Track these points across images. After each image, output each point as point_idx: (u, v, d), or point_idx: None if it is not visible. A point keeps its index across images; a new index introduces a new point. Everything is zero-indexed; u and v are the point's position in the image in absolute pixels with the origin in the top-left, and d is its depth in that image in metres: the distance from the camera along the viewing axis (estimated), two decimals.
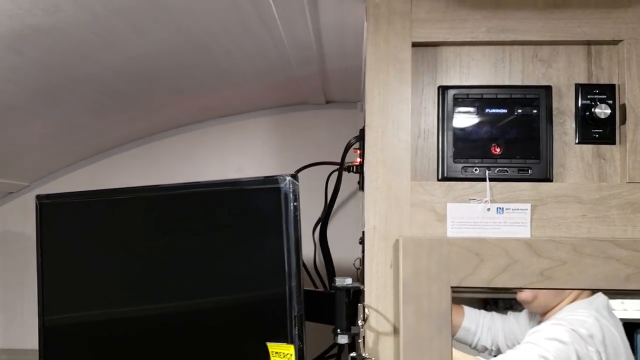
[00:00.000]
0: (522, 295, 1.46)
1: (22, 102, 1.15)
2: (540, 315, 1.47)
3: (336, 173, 1.60)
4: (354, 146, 1.64)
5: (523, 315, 1.59)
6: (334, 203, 1.33)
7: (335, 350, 1.24)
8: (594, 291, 1.75)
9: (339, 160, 1.70)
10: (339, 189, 1.34)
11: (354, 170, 1.44)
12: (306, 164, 1.65)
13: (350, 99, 1.80)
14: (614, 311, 2.15)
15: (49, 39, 0.90)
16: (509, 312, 1.66)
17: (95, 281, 1.26)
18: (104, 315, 1.23)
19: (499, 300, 1.90)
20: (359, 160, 1.50)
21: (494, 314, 1.63)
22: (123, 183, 1.28)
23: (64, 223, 1.33)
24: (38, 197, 1.36)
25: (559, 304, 1.64)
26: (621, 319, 1.90)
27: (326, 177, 1.58)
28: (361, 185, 1.40)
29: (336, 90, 1.67)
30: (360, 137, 1.11)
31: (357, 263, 1.33)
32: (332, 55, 1.27)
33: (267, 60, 1.27)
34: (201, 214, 1.01)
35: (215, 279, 0.99)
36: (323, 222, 1.28)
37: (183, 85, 1.34)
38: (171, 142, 1.84)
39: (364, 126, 1.37)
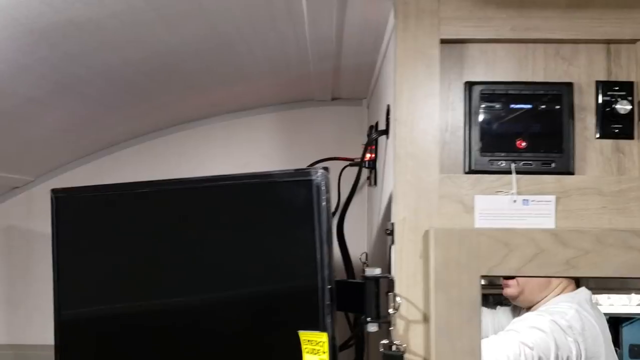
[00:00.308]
0: (509, 291, 1.52)
1: (42, 94, 1.16)
2: (525, 310, 1.53)
3: (348, 168, 1.63)
4: (364, 143, 1.67)
5: (510, 310, 1.65)
6: (352, 197, 1.36)
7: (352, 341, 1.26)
8: (578, 285, 1.82)
9: (345, 156, 1.73)
10: (358, 183, 1.36)
11: (367, 165, 1.47)
12: (312, 160, 1.68)
13: (356, 96, 1.82)
14: (599, 306, 2.23)
15: (83, 32, 0.91)
16: (498, 307, 1.72)
17: (114, 275, 1.26)
18: (124, 309, 1.23)
19: (489, 296, 1.95)
20: (368, 156, 1.53)
21: (483, 309, 1.68)
22: (128, 178, 1.29)
23: (81, 217, 1.33)
24: (54, 190, 1.36)
25: (544, 298, 1.70)
26: (607, 314, 1.97)
27: (337, 172, 1.60)
28: (373, 180, 1.43)
29: (344, 87, 1.70)
30: (380, 133, 1.14)
31: (364, 257, 1.36)
32: (348, 51, 1.29)
33: (285, 56, 1.29)
34: (231, 206, 1.03)
35: (245, 270, 1.01)
36: (340, 216, 1.31)
37: (199, 81, 1.35)
38: (177, 137, 1.84)
39: (377, 122, 1.40)
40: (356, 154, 1.61)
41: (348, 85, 1.68)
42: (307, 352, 0.93)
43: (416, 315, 0.92)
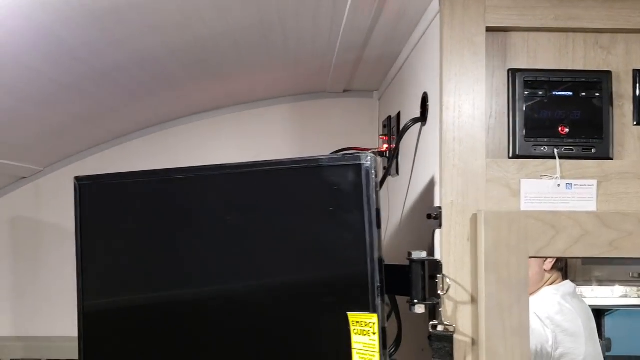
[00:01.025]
0: None
1: (76, 80, 1.14)
2: None
3: None
4: (380, 134, 1.69)
5: None
6: (380, 187, 1.37)
7: None
8: (564, 278, 1.89)
9: (356, 147, 1.75)
10: (388, 173, 1.38)
11: (386, 155, 1.49)
12: (323, 151, 1.68)
13: (367, 89, 1.84)
14: (584, 298, 2.30)
15: (135, 16, 0.91)
16: None
17: (141, 264, 1.25)
18: (152, 298, 1.22)
19: None
20: (385, 146, 1.55)
21: None
22: (137, 169, 1.28)
23: (106, 205, 1.32)
24: (77, 178, 1.34)
25: (537, 290, 1.76)
26: (591, 305, 2.04)
27: None
28: (395, 170, 1.44)
29: (358, 80, 1.71)
30: (415, 121, 1.15)
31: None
32: (375, 42, 1.31)
33: (314, 47, 1.30)
34: (276, 191, 1.03)
35: (292, 255, 1.01)
36: None
37: (224, 71, 1.36)
38: (187, 128, 1.83)
39: (399, 112, 1.42)
40: (367, 146, 1.63)
41: (362, 78, 1.69)
42: (356, 334, 0.95)
43: (464, 296, 0.95)
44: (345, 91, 1.85)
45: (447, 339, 0.92)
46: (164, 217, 1.20)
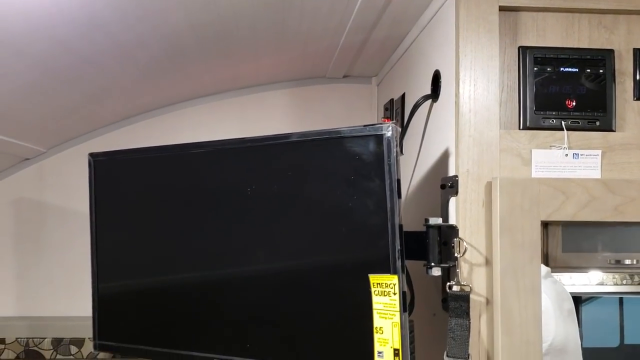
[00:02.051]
0: None
1: (99, 55, 1.17)
2: None
3: None
4: (382, 117, 1.75)
5: None
6: None
7: None
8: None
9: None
10: (402, 151, 1.43)
11: None
12: None
13: (367, 74, 1.89)
14: (566, 286, 2.38)
15: None
16: None
17: (157, 242, 1.27)
18: (174, 274, 1.25)
19: None
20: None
21: None
22: None
23: (121, 181, 1.33)
24: (92, 154, 1.36)
25: None
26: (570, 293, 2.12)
27: None
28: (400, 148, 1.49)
29: (358, 65, 1.76)
30: (426, 98, 1.21)
31: None
32: (384, 23, 1.35)
33: (325, 27, 1.34)
34: (298, 163, 1.07)
35: (316, 222, 1.05)
36: None
37: (238, 49, 1.39)
38: (192, 111, 1.86)
39: (403, 94, 1.47)
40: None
41: (363, 63, 1.74)
42: (377, 295, 1.00)
43: (479, 259, 1.01)
44: (344, 77, 1.90)
45: (463, 298, 0.98)
46: (182, 192, 1.23)
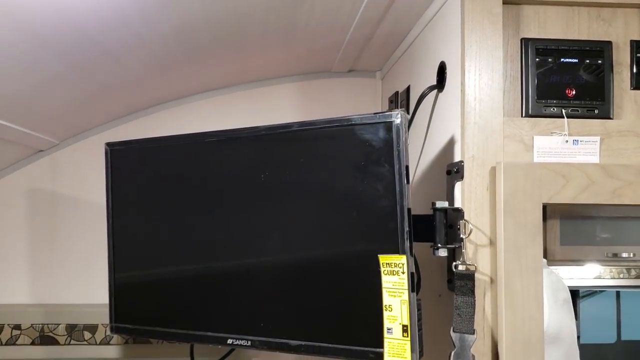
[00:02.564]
0: None
1: (119, 47, 1.21)
2: None
3: None
4: (388, 108, 1.79)
5: None
6: None
7: None
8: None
9: None
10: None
11: None
12: None
13: (371, 69, 1.94)
14: (564, 279, 2.43)
15: None
16: None
17: (174, 230, 1.31)
18: (188, 262, 1.29)
19: None
20: None
21: None
22: None
23: (137, 170, 1.38)
24: (108, 144, 1.41)
25: None
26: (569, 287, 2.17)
27: None
28: None
29: (363, 59, 1.81)
30: (432, 88, 1.25)
31: None
32: (390, 18, 1.40)
33: (334, 22, 1.39)
34: (310, 150, 1.12)
35: (327, 206, 1.10)
36: None
37: (249, 44, 1.43)
38: (202, 105, 1.91)
39: (408, 86, 1.52)
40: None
41: (367, 57, 1.79)
42: (386, 274, 1.05)
43: (483, 240, 1.06)
44: (349, 71, 1.95)
45: (469, 276, 1.03)
46: (197, 179, 1.27)
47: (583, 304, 2.90)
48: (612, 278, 2.93)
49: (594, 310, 2.88)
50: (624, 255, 2.89)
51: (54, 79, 1.25)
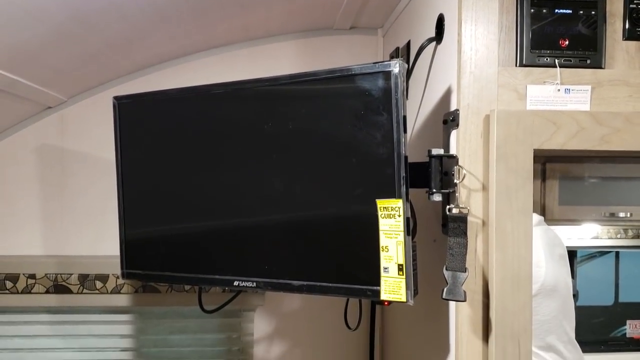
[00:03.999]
0: None
1: (126, 3, 1.25)
2: None
3: None
4: None
5: None
6: None
7: None
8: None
9: None
10: (407, 96, 1.51)
11: None
12: None
13: (373, 26, 1.96)
14: (562, 238, 2.48)
15: None
16: None
17: (185, 186, 1.36)
18: (196, 210, 1.34)
19: None
20: None
21: None
22: None
23: (146, 123, 1.42)
24: (116, 97, 1.45)
25: None
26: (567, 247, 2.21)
27: None
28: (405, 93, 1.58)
29: (366, 15, 1.83)
30: (430, 40, 1.29)
31: None
32: None
33: None
34: (312, 99, 1.16)
35: (329, 153, 1.15)
36: None
37: None
38: (205, 62, 1.94)
39: (408, 41, 1.55)
40: None
41: (369, 13, 1.81)
42: (383, 217, 1.10)
43: (476, 185, 1.11)
44: (351, 28, 1.98)
45: (461, 219, 1.08)
46: (203, 129, 1.32)
47: (581, 267, 2.95)
48: (609, 238, 2.98)
49: (592, 272, 2.94)
50: (621, 215, 2.94)
51: (60, 32, 1.28)
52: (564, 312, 1.84)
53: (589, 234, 2.82)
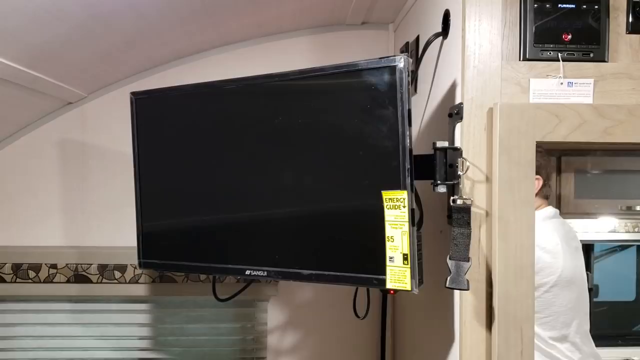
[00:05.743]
0: None
1: (143, 1, 1.29)
2: None
3: None
4: None
5: None
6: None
7: None
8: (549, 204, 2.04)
9: None
10: (415, 90, 1.54)
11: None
12: None
13: (384, 21, 1.99)
14: (578, 233, 2.48)
15: None
16: None
17: (198, 178, 1.40)
18: (210, 201, 1.39)
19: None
20: None
21: None
22: None
23: (162, 118, 1.47)
24: (133, 93, 1.50)
25: None
26: (582, 240, 2.21)
27: None
28: (414, 88, 1.61)
29: (377, 10, 1.86)
30: (437, 35, 1.31)
31: None
32: None
33: None
34: (322, 94, 1.20)
35: (336, 146, 1.18)
36: None
37: None
38: (220, 59, 1.99)
39: (417, 36, 1.58)
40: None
41: (380, 9, 1.83)
42: (389, 208, 1.13)
43: (480, 176, 1.14)
44: (363, 23, 2.00)
45: (465, 209, 1.11)
46: (216, 125, 1.36)
47: (601, 262, 2.93)
48: (627, 232, 2.96)
49: (613, 266, 2.92)
50: (638, 208, 2.92)
51: (80, 31, 1.34)
52: (580, 304, 1.86)
53: (605, 227, 2.80)
